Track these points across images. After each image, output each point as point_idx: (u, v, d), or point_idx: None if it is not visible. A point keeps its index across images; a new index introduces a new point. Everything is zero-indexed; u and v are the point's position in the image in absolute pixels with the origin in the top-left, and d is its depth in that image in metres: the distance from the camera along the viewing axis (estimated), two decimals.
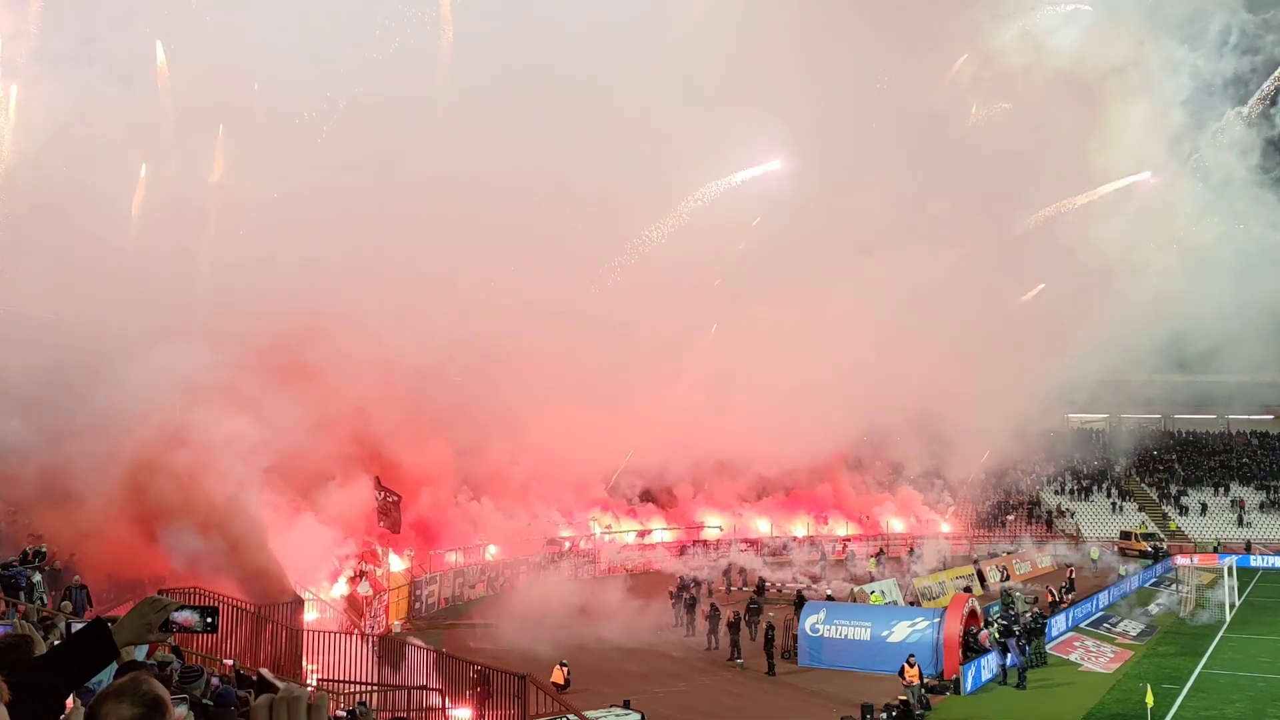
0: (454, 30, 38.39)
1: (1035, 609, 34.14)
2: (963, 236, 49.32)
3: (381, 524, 35.89)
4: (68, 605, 22.69)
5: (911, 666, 26.28)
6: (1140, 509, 67.34)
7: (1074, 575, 45.08)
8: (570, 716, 19.41)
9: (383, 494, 35.41)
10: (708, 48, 42.87)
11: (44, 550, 24.98)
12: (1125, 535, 59.25)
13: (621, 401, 43.14)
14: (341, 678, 23.31)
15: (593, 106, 40.31)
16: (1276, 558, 57.94)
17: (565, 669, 26.98)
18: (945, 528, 57.76)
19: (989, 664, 29.33)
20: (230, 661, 18.45)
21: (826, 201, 46.35)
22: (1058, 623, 35.00)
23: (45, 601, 21.92)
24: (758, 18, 43.36)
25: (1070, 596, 39.50)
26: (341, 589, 33.09)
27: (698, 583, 39.03)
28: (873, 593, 37.47)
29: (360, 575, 33.40)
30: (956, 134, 48.50)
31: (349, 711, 13.35)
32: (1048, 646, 31.97)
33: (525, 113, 39.62)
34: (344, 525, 34.16)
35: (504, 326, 39.24)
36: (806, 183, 46.25)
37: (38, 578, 22.34)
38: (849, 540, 54.15)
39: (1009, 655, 29.19)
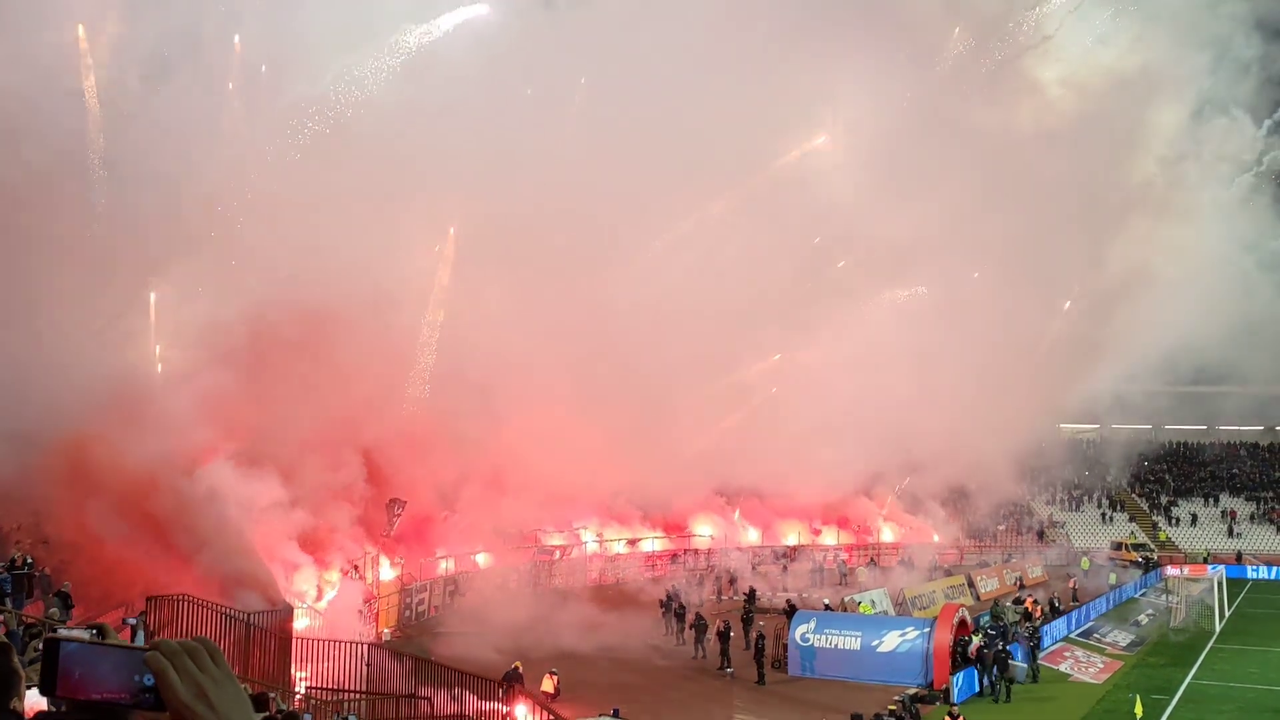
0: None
1: (1030, 624, 34.01)
2: (982, 256, 49.46)
3: (386, 534, 36.04)
4: (55, 612, 22.60)
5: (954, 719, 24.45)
6: (1131, 519, 67.50)
7: (1076, 586, 45.31)
8: None
9: (396, 506, 35.65)
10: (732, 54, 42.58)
11: (30, 559, 24.93)
12: (1116, 546, 59.35)
13: (639, 423, 42.77)
14: (331, 686, 23.28)
15: (615, 109, 40.11)
16: (1266, 568, 58.14)
17: (555, 677, 26.93)
18: (935, 538, 57.75)
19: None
20: None
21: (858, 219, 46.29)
22: (1051, 630, 35.12)
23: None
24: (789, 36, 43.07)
25: (1073, 605, 39.97)
26: (331, 596, 32.98)
27: (678, 597, 38.77)
28: (861, 603, 37.49)
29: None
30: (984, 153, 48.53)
31: None
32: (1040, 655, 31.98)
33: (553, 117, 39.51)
34: (324, 524, 33.91)
35: (518, 339, 39.01)
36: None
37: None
38: (838, 550, 54.11)
39: (994, 667, 29.07)
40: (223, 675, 1.79)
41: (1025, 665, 30.33)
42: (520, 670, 24.93)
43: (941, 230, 48.37)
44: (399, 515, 35.54)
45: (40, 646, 6.80)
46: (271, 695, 14.90)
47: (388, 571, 36.46)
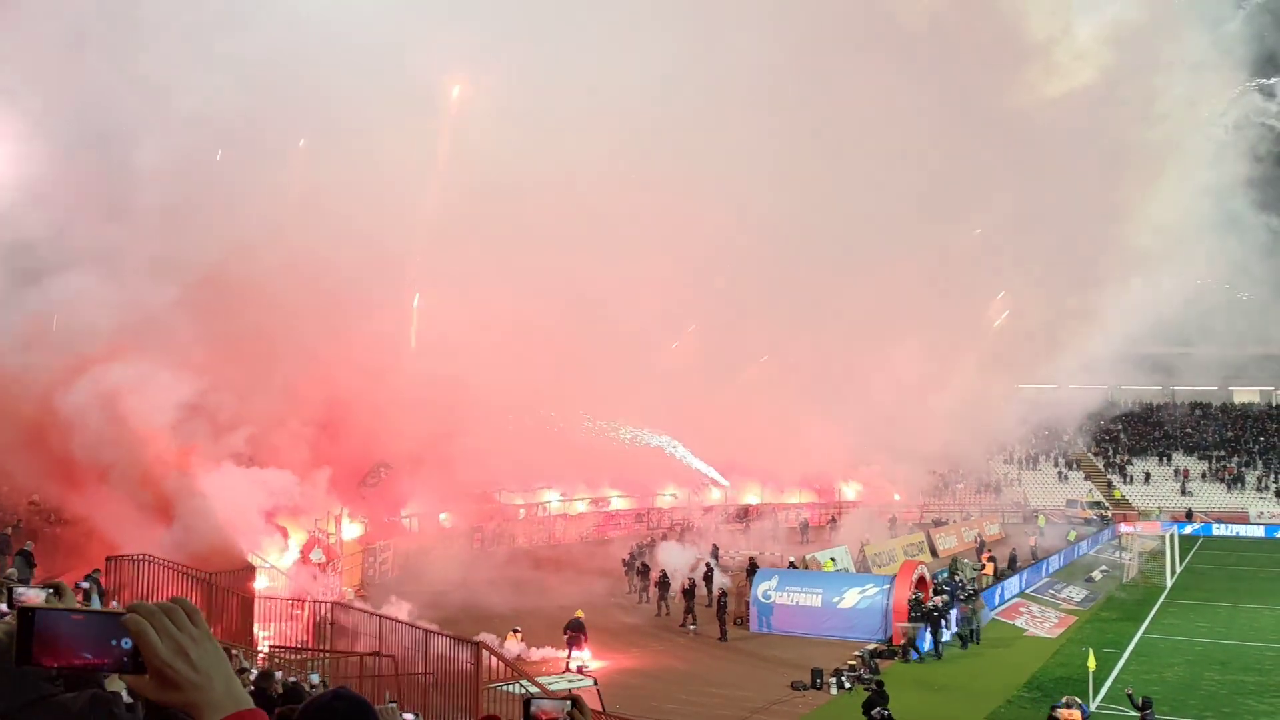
0: None
1: (971, 585, 34.39)
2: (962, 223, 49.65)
3: (365, 486, 35.94)
4: (13, 572, 22.33)
5: (1070, 709, 22.91)
6: (1086, 478, 68.69)
7: (1036, 544, 45.99)
8: (524, 682, 19.51)
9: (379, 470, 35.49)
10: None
11: None
12: (1071, 504, 60.45)
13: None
14: (294, 645, 23.25)
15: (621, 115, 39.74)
16: (1217, 525, 59.52)
17: (519, 634, 27.10)
18: (896, 496, 58.41)
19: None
20: None
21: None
22: (1010, 586, 35.69)
23: None
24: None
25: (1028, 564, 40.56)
26: (294, 555, 32.76)
27: (639, 557, 38.99)
28: (826, 560, 37.91)
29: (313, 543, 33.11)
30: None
31: (292, 682, 13.23)
32: (993, 613, 32.44)
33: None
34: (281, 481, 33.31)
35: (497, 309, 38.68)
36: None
37: None
38: (800, 508, 54.65)
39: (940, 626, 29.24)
40: (201, 634, 1.80)
41: (954, 628, 29.98)
42: (582, 619, 26.64)
43: (926, 199, 48.40)
44: (379, 479, 35.35)
45: (4, 609, 6.69)
46: (234, 652, 14.84)
47: (350, 530, 36.32)
